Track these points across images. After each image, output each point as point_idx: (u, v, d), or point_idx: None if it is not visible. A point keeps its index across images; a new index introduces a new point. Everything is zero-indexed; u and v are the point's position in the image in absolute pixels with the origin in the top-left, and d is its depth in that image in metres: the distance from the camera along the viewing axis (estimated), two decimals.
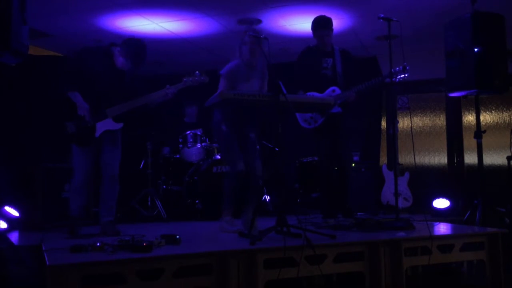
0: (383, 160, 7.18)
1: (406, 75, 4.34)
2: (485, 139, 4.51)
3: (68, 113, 3.77)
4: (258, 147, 4.08)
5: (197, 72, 4.03)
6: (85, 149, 3.82)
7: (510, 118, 6.83)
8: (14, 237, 3.82)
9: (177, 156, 6.15)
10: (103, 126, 3.82)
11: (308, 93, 4.44)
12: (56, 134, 3.91)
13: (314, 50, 4.58)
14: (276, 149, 5.47)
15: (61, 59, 6.71)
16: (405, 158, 6.94)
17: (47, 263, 2.45)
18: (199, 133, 6.04)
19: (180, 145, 6.07)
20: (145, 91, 3.92)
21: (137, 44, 3.81)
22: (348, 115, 4.58)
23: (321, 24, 4.48)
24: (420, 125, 7.28)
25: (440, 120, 7.19)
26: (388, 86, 4.35)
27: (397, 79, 4.37)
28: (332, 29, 4.52)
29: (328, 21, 4.48)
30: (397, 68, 4.30)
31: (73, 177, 3.86)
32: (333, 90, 4.46)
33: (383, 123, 7.31)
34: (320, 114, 4.47)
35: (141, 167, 6.34)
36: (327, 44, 4.53)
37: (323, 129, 4.49)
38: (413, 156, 6.67)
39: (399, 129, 6.84)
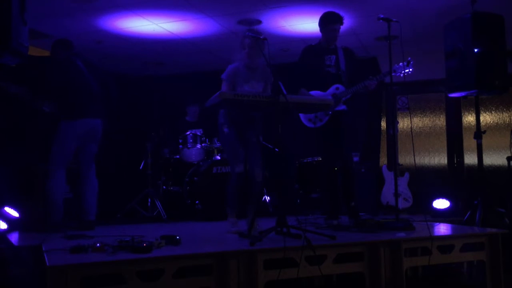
0: (383, 160, 7.18)
1: (410, 70, 4.27)
2: (485, 140, 4.51)
3: None
4: (259, 151, 4.06)
5: None
6: None
7: (510, 119, 6.83)
8: (14, 237, 3.81)
9: (177, 156, 6.15)
10: None
11: (311, 92, 4.32)
12: None
13: (316, 47, 4.45)
14: (276, 149, 5.46)
15: None
16: (405, 159, 6.94)
17: (47, 263, 2.45)
18: (199, 134, 6.04)
19: (180, 146, 6.07)
20: None
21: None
22: (350, 114, 4.47)
23: (332, 19, 4.35)
24: (420, 125, 7.27)
25: (440, 121, 7.18)
26: (387, 86, 4.34)
27: (402, 74, 4.32)
28: (341, 25, 4.40)
29: (338, 16, 4.36)
30: (401, 64, 4.25)
31: None
32: (337, 88, 4.34)
33: (383, 124, 7.31)
34: (325, 112, 4.34)
35: (141, 167, 6.34)
36: (334, 40, 4.41)
37: (328, 128, 4.35)
38: (413, 157, 6.67)
39: (399, 130, 6.82)
